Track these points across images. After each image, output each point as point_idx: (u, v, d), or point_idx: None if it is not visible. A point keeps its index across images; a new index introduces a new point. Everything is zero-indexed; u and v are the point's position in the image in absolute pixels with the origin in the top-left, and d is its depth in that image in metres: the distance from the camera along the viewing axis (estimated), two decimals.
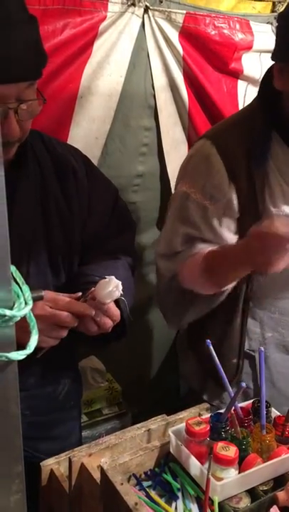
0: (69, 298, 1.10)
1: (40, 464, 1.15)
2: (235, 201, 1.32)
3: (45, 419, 1.33)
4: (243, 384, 1.01)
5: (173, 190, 1.96)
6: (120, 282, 1.08)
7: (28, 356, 1.15)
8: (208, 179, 1.32)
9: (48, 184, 1.20)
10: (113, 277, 1.09)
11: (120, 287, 1.08)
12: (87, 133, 1.71)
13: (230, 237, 1.35)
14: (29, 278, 1.17)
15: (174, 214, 1.39)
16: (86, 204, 1.26)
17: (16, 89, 0.99)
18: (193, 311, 1.43)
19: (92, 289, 1.09)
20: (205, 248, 1.33)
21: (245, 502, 0.99)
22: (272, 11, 2.00)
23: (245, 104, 1.93)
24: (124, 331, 1.22)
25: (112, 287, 1.07)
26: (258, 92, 1.37)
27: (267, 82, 1.30)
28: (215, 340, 1.45)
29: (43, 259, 1.20)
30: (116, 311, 1.12)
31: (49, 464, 1.15)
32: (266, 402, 1.12)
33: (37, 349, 1.11)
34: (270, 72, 1.31)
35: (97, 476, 1.06)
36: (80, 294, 1.11)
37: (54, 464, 1.15)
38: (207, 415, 1.14)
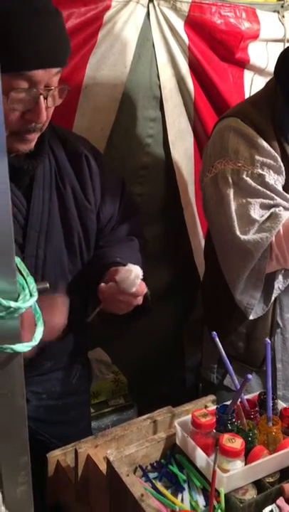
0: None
1: (47, 455, 1.16)
2: (283, 167, 1.39)
3: (59, 403, 1.37)
4: (250, 376, 1.01)
5: (189, 180, 1.97)
6: (140, 270, 1.12)
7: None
8: (253, 150, 1.37)
9: (63, 171, 1.24)
10: (131, 266, 1.12)
11: (140, 273, 1.12)
12: (91, 124, 1.70)
13: None
14: (46, 262, 1.21)
15: (232, 192, 1.37)
16: (100, 190, 1.30)
17: (47, 76, 1.04)
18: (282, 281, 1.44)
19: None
20: (287, 214, 1.36)
21: (251, 494, 0.99)
22: None
23: (252, 94, 1.93)
24: (146, 310, 1.26)
25: (133, 276, 1.11)
26: (274, 74, 1.45)
27: (283, 65, 1.40)
28: (248, 324, 1.51)
29: (60, 244, 1.24)
30: (142, 286, 1.15)
31: (55, 455, 1.16)
32: (272, 394, 1.11)
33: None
34: (284, 55, 1.42)
35: (103, 467, 1.07)
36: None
37: (60, 455, 1.16)
38: (213, 407, 1.14)
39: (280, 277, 1.43)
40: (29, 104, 1.04)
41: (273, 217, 1.35)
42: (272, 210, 1.37)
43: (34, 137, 1.11)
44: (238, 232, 1.34)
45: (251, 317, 1.45)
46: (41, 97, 1.04)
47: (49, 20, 1.02)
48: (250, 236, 1.33)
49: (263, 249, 1.33)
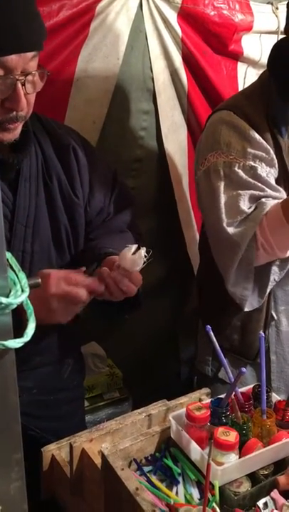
0: (78, 273, 1.11)
1: (42, 449, 1.15)
2: (275, 159, 1.38)
3: (51, 398, 1.36)
4: (244, 369, 1.01)
5: (183, 172, 1.96)
6: (144, 249, 1.09)
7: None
8: (245, 142, 1.37)
9: (49, 164, 1.22)
10: (136, 245, 1.10)
11: (143, 254, 1.09)
12: (83, 117, 1.69)
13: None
14: (33, 257, 1.20)
15: (223, 185, 1.37)
16: (88, 183, 1.28)
17: (22, 61, 1.01)
18: (275, 274, 1.44)
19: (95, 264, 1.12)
20: (273, 203, 1.36)
21: (245, 486, 0.99)
22: None
23: (246, 87, 1.92)
24: (139, 302, 1.25)
25: (136, 255, 1.08)
26: (268, 66, 1.44)
27: (276, 57, 1.40)
28: (243, 317, 1.51)
29: (47, 239, 1.22)
30: (139, 276, 1.14)
31: (50, 449, 1.16)
32: (267, 387, 1.11)
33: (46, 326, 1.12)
34: (277, 47, 1.42)
35: (98, 461, 1.07)
36: (84, 268, 1.14)
37: (55, 449, 1.16)
38: (207, 400, 1.14)
39: (276, 269, 1.43)
40: (6, 91, 1.01)
41: (259, 207, 1.35)
42: (260, 200, 1.37)
43: (17, 126, 1.08)
44: (224, 225, 1.35)
45: (246, 309, 1.45)
46: (18, 84, 1.01)
47: (20, 2, 0.99)
48: (237, 228, 1.34)
49: (248, 238, 1.33)
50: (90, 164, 1.28)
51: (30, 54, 1.02)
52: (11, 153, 1.12)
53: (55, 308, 1.08)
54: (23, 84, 1.02)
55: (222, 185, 1.37)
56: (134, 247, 1.09)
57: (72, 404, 1.43)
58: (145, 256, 1.09)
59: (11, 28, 0.97)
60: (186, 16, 1.75)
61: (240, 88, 1.99)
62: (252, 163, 1.36)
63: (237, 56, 1.94)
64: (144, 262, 1.09)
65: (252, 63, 1.99)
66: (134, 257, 1.08)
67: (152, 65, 1.76)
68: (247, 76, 2.00)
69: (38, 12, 1.05)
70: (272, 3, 1.94)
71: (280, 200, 1.36)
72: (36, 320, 1.06)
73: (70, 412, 1.42)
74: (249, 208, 1.35)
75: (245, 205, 1.35)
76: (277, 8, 1.94)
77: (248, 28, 1.90)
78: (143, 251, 1.08)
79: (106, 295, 1.14)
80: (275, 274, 1.44)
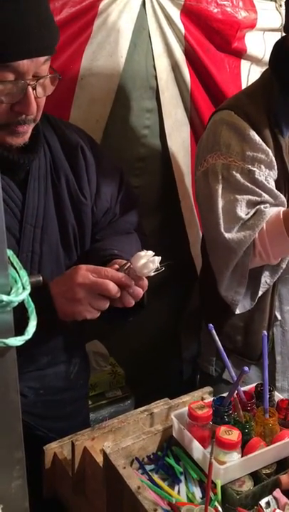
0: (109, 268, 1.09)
1: (44, 447, 1.15)
2: (274, 161, 1.38)
3: (58, 398, 1.35)
4: (246, 368, 1.00)
5: (186, 171, 1.96)
6: (159, 258, 1.07)
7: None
8: (244, 144, 1.36)
9: (58, 164, 1.22)
10: (150, 252, 1.08)
11: (158, 261, 1.07)
12: (87, 115, 1.68)
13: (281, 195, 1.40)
14: (42, 257, 1.19)
15: (220, 188, 1.37)
16: (95, 183, 1.27)
17: (34, 65, 1.00)
18: (267, 278, 1.45)
19: (129, 263, 1.09)
20: (272, 211, 1.35)
21: (248, 485, 0.99)
22: None
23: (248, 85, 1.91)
24: (143, 305, 1.23)
25: (150, 260, 1.07)
26: (269, 64, 1.45)
27: (278, 55, 1.40)
28: (246, 318, 1.52)
29: (55, 238, 1.22)
30: (145, 281, 1.12)
31: (52, 447, 1.16)
32: (269, 386, 1.11)
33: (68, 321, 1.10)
34: (279, 45, 1.42)
35: (100, 459, 1.06)
36: (117, 266, 1.12)
37: (57, 448, 1.16)
38: (210, 399, 1.14)
39: (267, 272, 1.43)
40: (17, 95, 1.00)
41: (258, 215, 1.35)
42: (258, 207, 1.36)
43: (27, 129, 1.07)
44: (222, 230, 1.35)
45: (238, 311, 1.46)
46: (29, 88, 1.00)
47: (33, 5, 0.97)
48: (234, 234, 1.34)
49: (246, 246, 1.33)
50: (97, 164, 1.28)
51: (42, 58, 1.01)
52: (21, 153, 1.12)
53: (81, 298, 1.05)
54: (34, 89, 1.02)
55: (220, 188, 1.36)
56: (150, 253, 1.08)
57: (76, 403, 1.43)
58: (158, 268, 1.08)
59: (23, 33, 0.96)
60: (189, 13, 1.75)
61: (244, 86, 1.98)
62: (250, 167, 1.36)
63: (240, 54, 1.94)
64: (156, 271, 1.08)
65: (255, 61, 1.99)
66: (148, 261, 1.06)
67: (155, 63, 1.75)
68: (250, 74, 2.00)
69: (52, 15, 1.04)
70: (275, 1, 1.94)
71: (281, 209, 1.36)
72: (62, 314, 1.06)
73: (75, 411, 1.42)
74: (247, 214, 1.35)
75: (242, 211, 1.35)
76: (280, 6, 1.94)
77: (252, 26, 1.89)
78: (158, 259, 1.07)
79: (116, 302, 1.12)
80: (267, 276, 1.45)
